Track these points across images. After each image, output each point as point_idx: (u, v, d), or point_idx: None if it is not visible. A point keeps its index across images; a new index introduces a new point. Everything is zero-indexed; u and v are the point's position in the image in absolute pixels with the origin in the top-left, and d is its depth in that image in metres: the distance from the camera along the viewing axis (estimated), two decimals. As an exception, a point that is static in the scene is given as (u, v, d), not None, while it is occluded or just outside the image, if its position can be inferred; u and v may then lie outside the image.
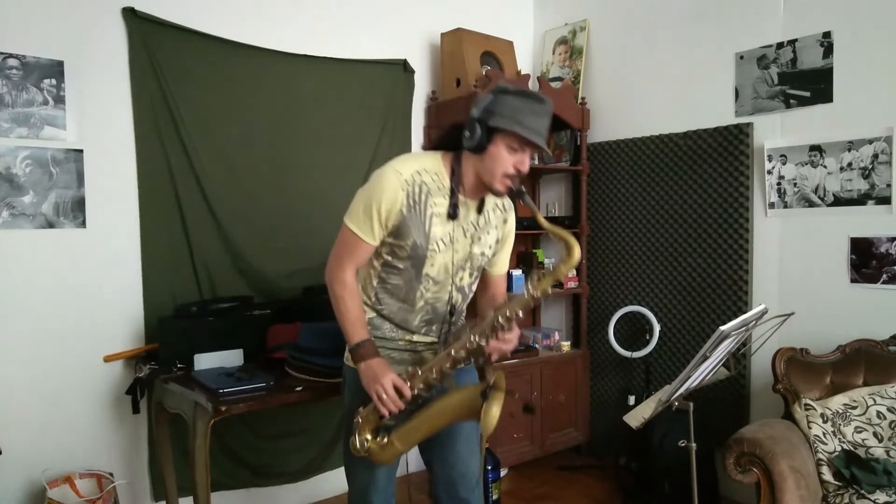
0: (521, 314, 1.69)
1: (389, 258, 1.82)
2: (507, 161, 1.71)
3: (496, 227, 1.91)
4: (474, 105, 1.75)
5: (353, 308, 1.82)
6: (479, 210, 1.85)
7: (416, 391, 1.74)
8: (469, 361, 1.76)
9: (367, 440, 1.77)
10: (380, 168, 1.79)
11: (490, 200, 1.88)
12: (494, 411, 1.64)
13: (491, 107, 1.70)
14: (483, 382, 1.69)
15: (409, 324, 1.87)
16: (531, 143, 1.69)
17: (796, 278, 3.02)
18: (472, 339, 1.71)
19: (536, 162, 3.71)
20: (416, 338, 1.89)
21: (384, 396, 1.71)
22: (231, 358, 2.52)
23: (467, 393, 1.72)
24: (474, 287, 1.94)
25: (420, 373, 1.75)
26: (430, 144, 1.91)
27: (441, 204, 1.78)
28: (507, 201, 1.94)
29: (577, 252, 1.64)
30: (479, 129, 1.69)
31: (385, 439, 1.76)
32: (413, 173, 1.76)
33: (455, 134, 1.81)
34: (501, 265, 2.00)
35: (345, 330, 1.82)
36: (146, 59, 2.70)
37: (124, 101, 2.68)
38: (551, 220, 3.87)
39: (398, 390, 1.72)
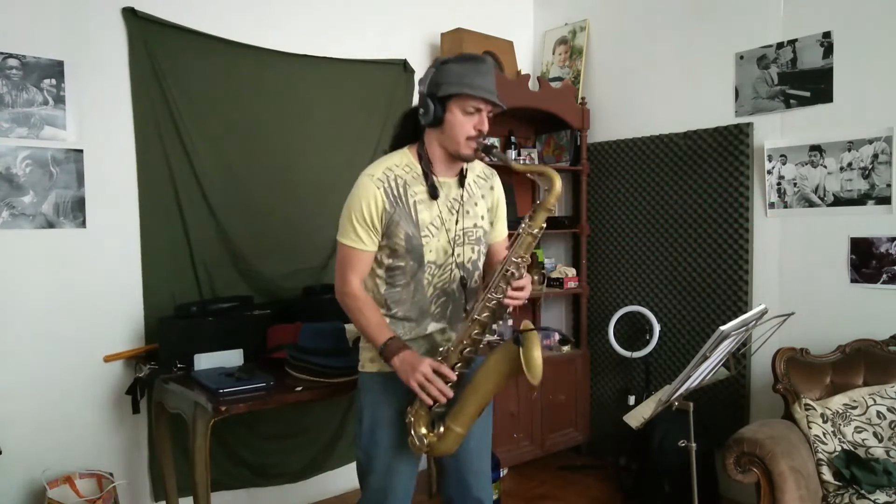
0: (526, 256, 1.72)
1: (391, 261, 1.82)
2: (466, 124, 1.76)
3: (483, 197, 1.93)
4: (420, 83, 1.80)
5: (372, 315, 1.81)
6: (461, 184, 1.87)
7: (456, 370, 1.73)
8: (494, 320, 1.75)
9: (424, 435, 1.74)
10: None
11: (471, 172, 1.91)
12: (536, 354, 1.65)
13: (437, 78, 1.75)
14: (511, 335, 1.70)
15: (425, 315, 1.85)
16: (484, 101, 1.74)
17: (796, 278, 3.02)
18: (488, 296, 1.72)
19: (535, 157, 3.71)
20: (430, 328, 1.87)
21: (427, 384, 1.68)
22: (231, 358, 2.52)
23: (502, 350, 1.72)
24: (480, 263, 1.94)
25: (453, 349, 1.74)
26: (391, 144, 1.94)
27: (421, 191, 1.81)
28: (488, 169, 1.98)
29: (557, 180, 1.70)
30: (431, 102, 1.75)
31: (441, 428, 1.74)
32: (384, 170, 1.80)
33: (408, 124, 1.86)
34: (499, 232, 2.01)
35: (370, 337, 1.81)
36: (146, 59, 2.70)
37: (124, 101, 2.68)
38: (551, 220, 3.90)
39: (439, 373, 1.70)
